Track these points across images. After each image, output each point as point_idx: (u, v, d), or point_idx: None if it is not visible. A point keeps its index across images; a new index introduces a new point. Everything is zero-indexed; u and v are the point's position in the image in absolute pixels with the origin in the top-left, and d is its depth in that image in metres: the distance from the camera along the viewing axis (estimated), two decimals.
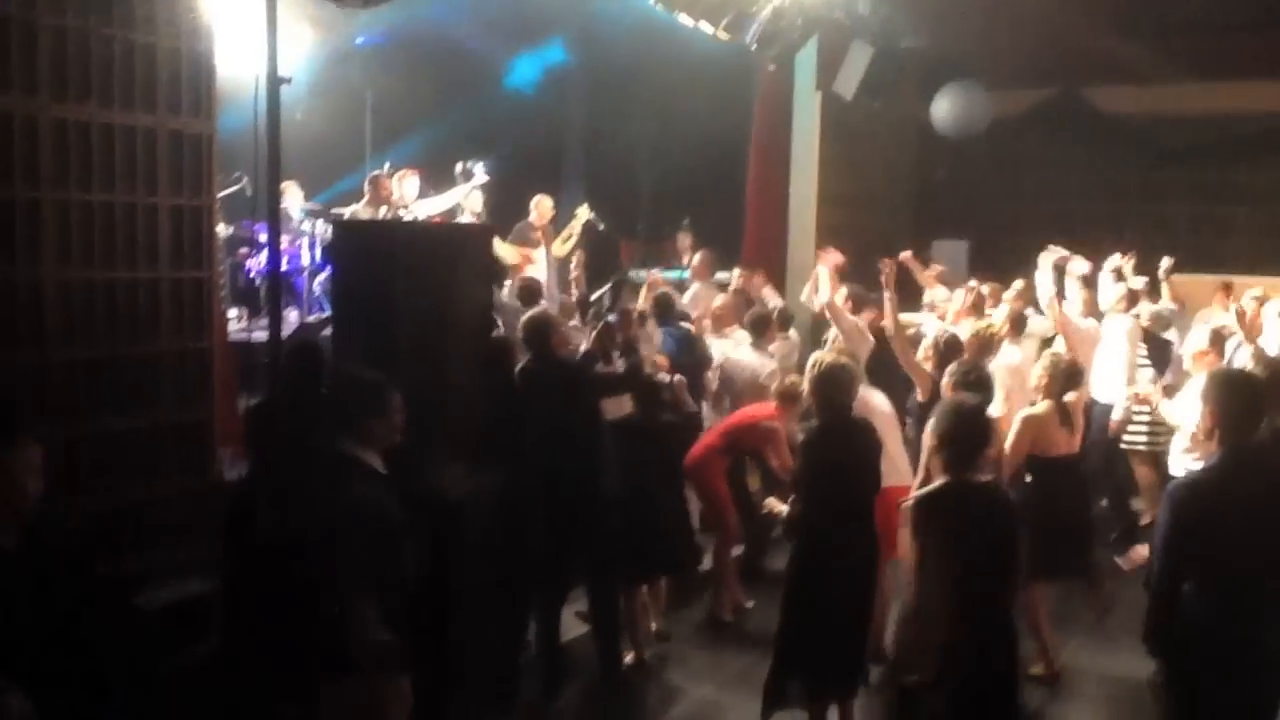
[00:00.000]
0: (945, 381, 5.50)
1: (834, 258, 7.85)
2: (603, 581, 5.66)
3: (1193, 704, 3.81)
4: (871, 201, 13.47)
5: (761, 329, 7.58)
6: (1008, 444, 5.67)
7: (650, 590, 6.17)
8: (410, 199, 9.38)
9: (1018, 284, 9.80)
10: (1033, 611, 5.75)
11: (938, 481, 3.91)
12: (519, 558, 5.31)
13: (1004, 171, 14.72)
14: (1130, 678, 5.33)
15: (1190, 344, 6.41)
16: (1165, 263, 8.94)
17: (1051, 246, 7.85)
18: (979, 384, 5.47)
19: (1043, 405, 5.80)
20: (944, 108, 12.14)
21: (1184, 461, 5.75)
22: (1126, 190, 14.50)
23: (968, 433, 3.88)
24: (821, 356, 5.06)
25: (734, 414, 6.95)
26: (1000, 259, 10.08)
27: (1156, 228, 13.87)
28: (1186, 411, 5.85)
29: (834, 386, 4.83)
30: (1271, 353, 7.45)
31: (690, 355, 7.46)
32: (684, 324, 7.92)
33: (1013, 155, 14.46)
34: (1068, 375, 5.93)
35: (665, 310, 7.75)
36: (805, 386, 5.14)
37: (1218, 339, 6.33)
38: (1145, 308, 8.81)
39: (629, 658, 5.90)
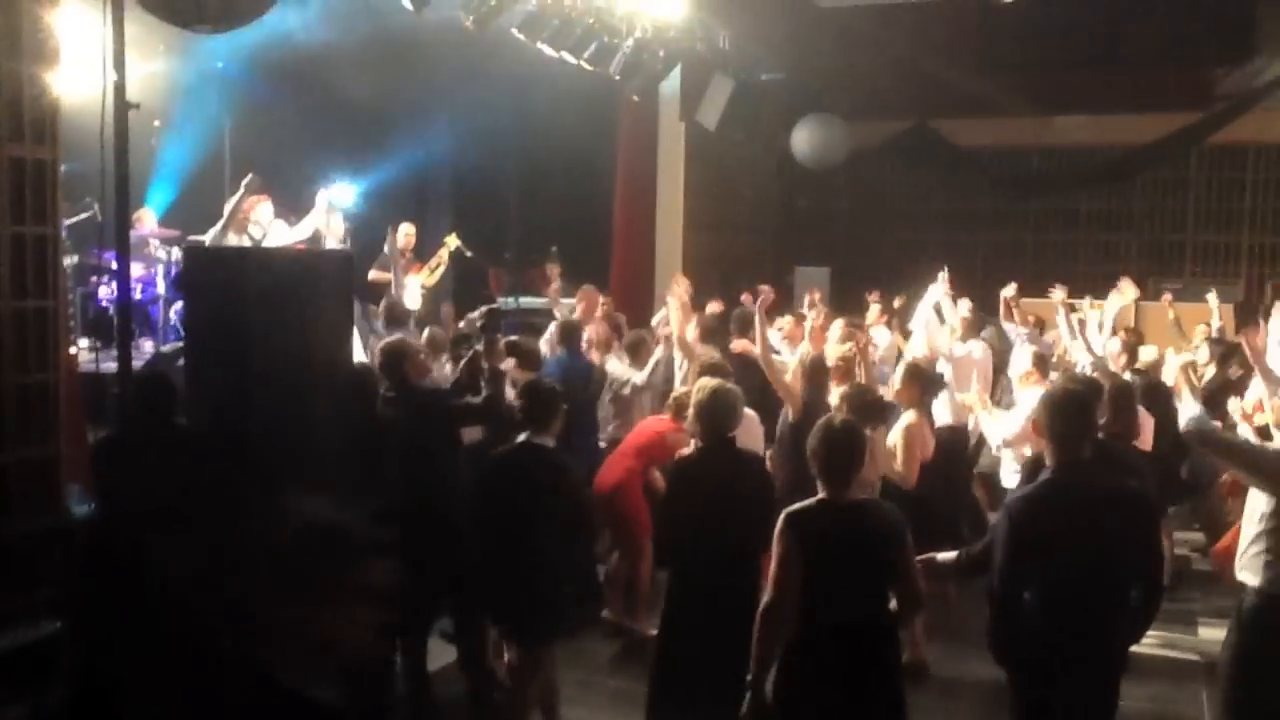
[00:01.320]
0: (836, 403, 5.61)
1: (683, 288, 7.96)
2: (465, 611, 5.62)
3: (1036, 707, 3.97)
4: (736, 229, 13.75)
5: (637, 352, 7.65)
6: (900, 459, 5.86)
7: None
8: (266, 224, 9.21)
9: (874, 309, 10.10)
10: None
11: (816, 499, 3.95)
12: (383, 590, 5.24)
13: (862, 200, 15.22)
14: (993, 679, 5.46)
15: (1015, 366, 6.74)
16: (1008, 290, 9.18)
17: (942, 276, 8.07)
18: (873, 406, 5.62)
19: (912, 414, 5.99)
20: (803, 138, 12.49)
21: (1012, 476, 6.02)
22: (977, 218, 15.11)
23: (835, 452, 3.91)
24: (706, 382, 5.00)
25: (636, 432, 6.84)
26: (860, 284, 10.37)
27: (1005, 254, 14.50)
28: (1006, 428, 6.17)
29: (719, 413, 4.78)
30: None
31: (585, 385, 7.47)
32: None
33: (870, 184, 14.96)
34: (927, 382, 6.19)
35: (568, 338, 7.71)
36: (690, 411, 5.06)
37: (1040, 361, 6.71)
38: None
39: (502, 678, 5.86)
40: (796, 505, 3.94)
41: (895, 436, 6.04)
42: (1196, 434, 4.44)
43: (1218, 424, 4.84)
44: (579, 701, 5.79)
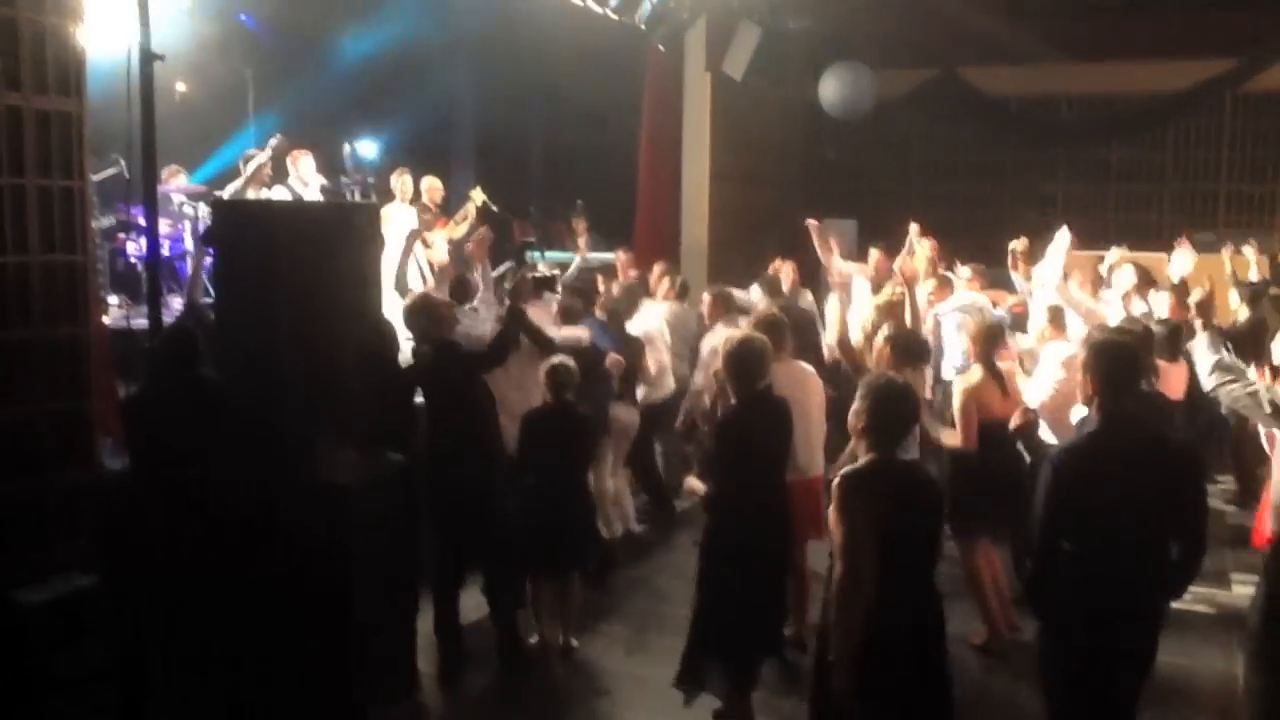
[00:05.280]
0: (880, 346, 5.50)
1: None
2: (497, 566, 5.63)
3: (1072, 660, 3.94)
4: (762, 180, 13.61)
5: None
6: (958, 419, 5.68)
7: (565, 594, 5.96)
8: (308, 178, 9.19)
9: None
10: (975, 578, 5.81)
11: (863, 460, 3.84)
12: (412, 542, 5.26)
13: (890, 150, 15.02)
14: None
15: (1032, 323, 6.62)
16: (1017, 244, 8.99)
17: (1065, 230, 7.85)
18: (917, 347, 5.51)
19: (976, 370, 5.80)
20: (831, 88, 12.31)
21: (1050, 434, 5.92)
22: (1006, 168, 14.91)
23: (893, 412, 3.81)
24: (732, 333, 4.92)
25: None
26: (888, 236, 10.22)
27: (1035, 204, 14.31)
28: (1037, 392, 6.06)
29: (748, 363, 4.70)
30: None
31: (629, 345, 7.48)
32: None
33: (898, 134, 14.75)
34: (993, 338, 5.93)
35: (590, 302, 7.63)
36: (718, 363, 4.92)
37: (1057, 316, 6.60)
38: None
39: (534, 638, 5.89)
40: (852, 468, 3.81)
41: (955, 394, 5.81)
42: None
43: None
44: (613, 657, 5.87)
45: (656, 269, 8.77)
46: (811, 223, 8.84)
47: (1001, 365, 5.92)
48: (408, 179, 9.45)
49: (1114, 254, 8.95)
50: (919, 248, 8.72)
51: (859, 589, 3.71)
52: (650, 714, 5.22)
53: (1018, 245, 8.51)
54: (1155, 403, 5.61)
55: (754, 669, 4.82)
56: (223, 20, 10.34)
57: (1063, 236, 7.59)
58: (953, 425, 5.78)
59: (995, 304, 8.08)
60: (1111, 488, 3.74)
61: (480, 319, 6.88)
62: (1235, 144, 14.18)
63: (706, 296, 7.69)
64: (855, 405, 3.88)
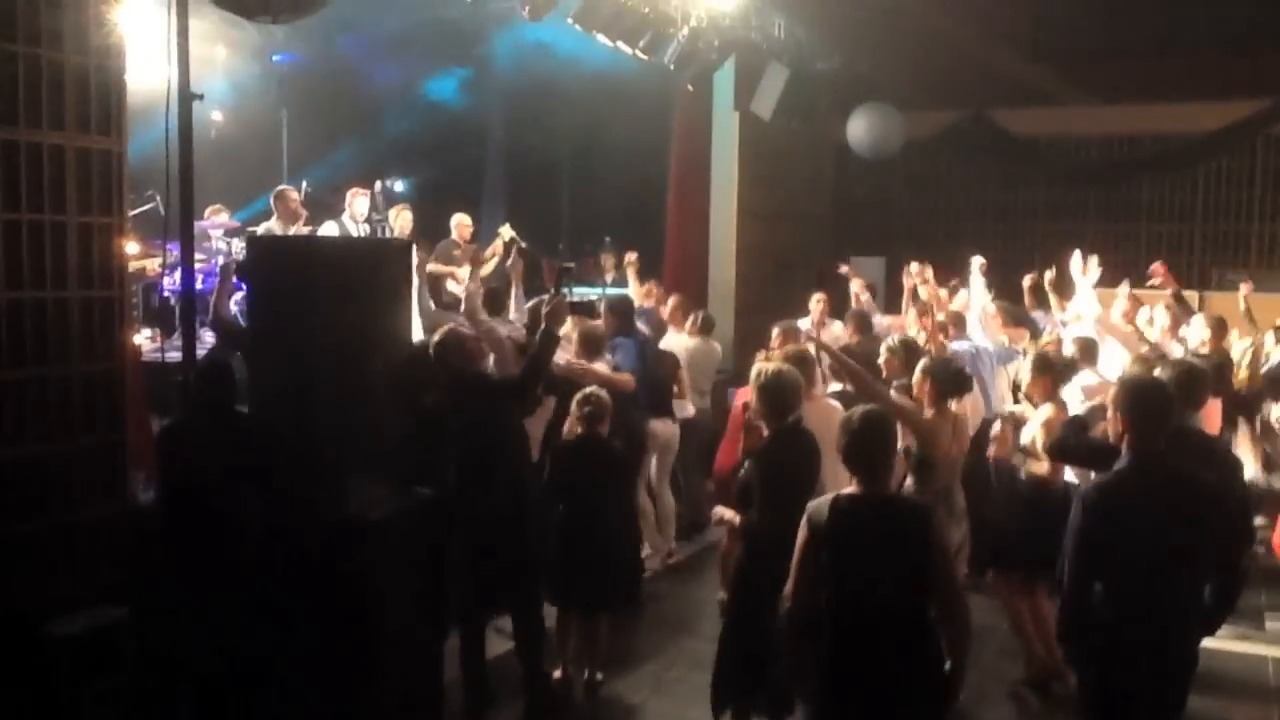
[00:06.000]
0: (918, 377, 5.45)
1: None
2: (522, 601, 5.62)
3: (1104, 700, 3.90)
4: (790, 219, 13.66)
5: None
6: (1046, 459, 5.48)
7: (592, 629, 5.90)
8: (360, 218, 9.33)
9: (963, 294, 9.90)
10: (1014, 613, 5.75)
11: (837, 493, 3.81)
12: (439, 576, 5.27)
13: (917, 190, 15.04)
14: None
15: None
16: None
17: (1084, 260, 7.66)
18: (958, 377, 5.50)
19: (1049, 407, 5.62)
20: (859, 128, 12.37)
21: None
22: (1035, 209, 14.89)
23: (866, 444, 3.76)
24: (764, 365, 4.92)
25: (734, 412, 6.70)
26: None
27: (1064, 245, 14.23)
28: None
29: (782, 394, 4.74)
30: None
31: (661, 365, 7.61)
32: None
33: (926, 174, 14.78)
34: (1062, 371, 5.77)
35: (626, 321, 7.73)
36: (751, 397, 4.94)
37: (1086, 350, 6.55)
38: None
39: (557, 673, 5.87)
40: (816, 500, 3.82)
41: (1034, 432, 5.62)
42: None
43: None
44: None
45: (671, 301, 8.80)
46: (846, 269, 8.90)
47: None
48: (406, 215, 9.54)
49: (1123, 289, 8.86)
50: (922, 291, 8.69)
51: (794, 611, 3.78)
52: None
53: (977, 264, 8.41)
54: (1196, 440, 5.49)
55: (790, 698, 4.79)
56: (259, 61, 10.52)
57: (1076, 263, 7.56)
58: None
59: (1014, 343, 8.00)
60: (1141, 526, 3.72)
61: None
62: (1267, 185, 14.11)
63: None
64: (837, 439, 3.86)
